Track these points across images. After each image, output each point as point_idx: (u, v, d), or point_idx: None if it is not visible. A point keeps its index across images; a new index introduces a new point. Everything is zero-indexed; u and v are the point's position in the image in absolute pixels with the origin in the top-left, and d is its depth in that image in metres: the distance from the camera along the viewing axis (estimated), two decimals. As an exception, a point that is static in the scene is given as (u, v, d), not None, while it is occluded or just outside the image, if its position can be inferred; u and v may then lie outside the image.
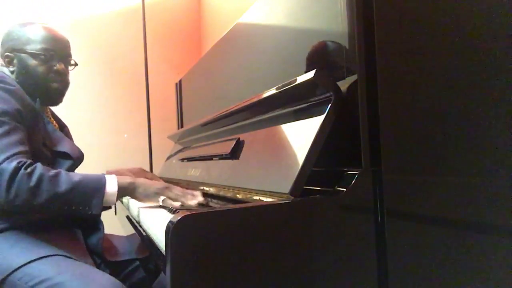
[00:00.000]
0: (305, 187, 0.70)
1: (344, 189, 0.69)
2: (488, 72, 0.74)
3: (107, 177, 1.05)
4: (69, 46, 1.26)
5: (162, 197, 1.08)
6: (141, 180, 1.11)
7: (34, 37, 1.18)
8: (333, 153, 0.75)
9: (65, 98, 1.26)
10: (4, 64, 1.19)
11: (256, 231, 0.65)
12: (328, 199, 0.69)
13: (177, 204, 1.06)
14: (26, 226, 1.03)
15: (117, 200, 1.05)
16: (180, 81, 2.24)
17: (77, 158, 1.20)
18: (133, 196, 1.09)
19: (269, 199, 0.75)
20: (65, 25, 2.51)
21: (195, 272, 0.62)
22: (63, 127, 1.31)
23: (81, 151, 1.25)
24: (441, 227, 0.74)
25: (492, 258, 0.72)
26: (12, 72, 1.18)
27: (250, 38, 1.26)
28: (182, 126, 2.19)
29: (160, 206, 1.09)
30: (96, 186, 1.01)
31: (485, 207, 0.73)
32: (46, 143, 1.14)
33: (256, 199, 0.80)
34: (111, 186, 1.03)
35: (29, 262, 0.92)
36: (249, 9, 1.25)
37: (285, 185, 0.70)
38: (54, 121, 1.27)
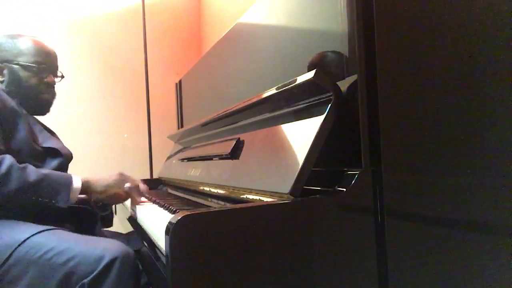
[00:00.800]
0: (305, 187, 0.70)
1: (344, 189, 0.69)
2: (488, 72, 0.74)
3: (73, 175, 1.10)
4: (57, 59, 1.31)
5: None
6: (96, 177, 1.16)
7: (26, 49, 1.23)
8: (333, 153, 0.75)
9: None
10: None
11: (256, 231, 0.65)
12: (328, 199, 0.69)
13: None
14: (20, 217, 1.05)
15: (79, 194, 1.10)
16: (180, 81, 2.23)
17: (66, 155, 1.23)
18: (91, 192, 1.14)
19: (269, 199, 0.75)
20: (65, 25, 2.52)
21: (195, 272, 0.62)
22: (52, 133, 1.34)
23: (70, 151, 1.28)
24: (441, 227, 0.74)
25: (492, 258, 0.72)
26: (1, 82, 1.23)
27: (250, 38, 1.26)
28: (182, 126, 2.19)
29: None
30: (63, 180, 1.07)
31: (485, 207, 0.74)
32: (35, 141, 1.17)
33: (256, 199, 0.80)
34: (77, 182, 1.09)
35: (32, 236, 0.95)
36: (249, 9, 1.25)
37: (285, 185, 0.70)
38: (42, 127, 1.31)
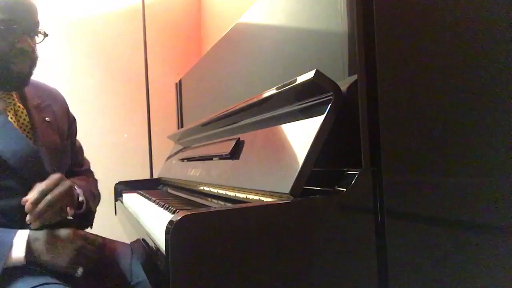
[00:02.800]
0: (305, 187, 0.70)
1: (344, 189, 0.69)
2: (488, 72, 0.74)
3: (17, 238, 0.85)
4: (36, 13, 1.00)
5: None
6: (43, 245, 0.87)
7: None
8: (333, 153, 0.75)
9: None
10: None
11: (256, 231, 0.65)
12: (328, 199, 0.69)
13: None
14: None
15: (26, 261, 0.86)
16: (180, 81, 2.23)
17: (15, 157, 0.93)
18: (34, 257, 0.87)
19: (269, 199, 0.75)
20: (65, 25, 2.51)
21: (195, 272, 0.62)
22: (34, 117, 1.05)
23: (32, 149, 0.99)
24: (441, 227, 0.74)
25: (492, 258, 0.72)
26: None
27: (250, 38, 1.26)
28: (182, 126, 2.19)
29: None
30: None
31: (485, 207, 0.74)
32: None
33: (256, 199, 0.80)
34: (17, 251, 0.85)
35: None
36: (249, 9, 1.25)
37: (285, 185, 0.70)
38: (21, 108, 1.04)
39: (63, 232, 0.92)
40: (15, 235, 0.86)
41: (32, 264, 0.87)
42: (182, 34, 2.96)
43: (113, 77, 2.69)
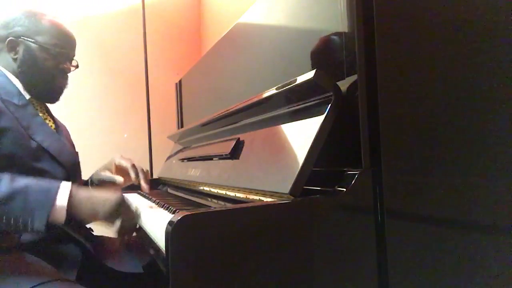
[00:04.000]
0: (305, 187, 0.70)
1: (344, 189, 0.69)
2: (488, 72, 0.74)
3: (62, 186, 0.86)
4: (75, 46, 1.21)
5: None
6: (89, 193, 0.89)
7: (47, 29, 1.12)
8: (333, 153, 0.75)
9: (65, 98, 1.25)
10: (4, 49, 1.11)
11: (256, 231, 0.65)
12: (328, 199, 0.69)
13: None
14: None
15: (67, 218, 0.85)
16: (180, 81, 2.23)
17: (63, 158, 1.08)
18: (74, 214, 0.87)
19: (269, 199, 0.75)
20: (65, 25, 2.51)
21: (195, 272, 0.62)
22: (58, 126, 1.23)
23: (72, 154, 1.16)
24: (441, 227, 0.74)
25: (492, 258, 0.72)
26: (14, 60, 1.11)
27: (250, 38, 1.26)
28: (182, 126, 2.19)
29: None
30: (44, 193, 0.84)
31: (485, 207, 0.74)
32: (31, 135, 1.03)
33: (256, 199, 0.80)
34: (62, 198, 0.84)
35: None
36: (249, 9, 1.25)
37: (285, 185, 0.70)
38: (48, 117, 1.20)
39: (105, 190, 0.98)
40: (60, 183, 0.88)
41: (71, 215, 0.86)
42: (182, 34, 2.96)
43: (113, 77, 2.68)
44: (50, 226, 0.83)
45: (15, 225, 0.81)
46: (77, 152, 1.25)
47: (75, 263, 0.99)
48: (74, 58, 1.21)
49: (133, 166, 1.21)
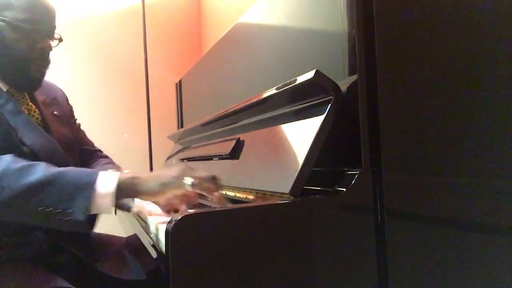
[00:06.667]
0: (305, 187, 0.70)
1: (344, 189, 0.69)
2: (489, 72, 0.74)
3: (102, 173, 0.77)
4: (55, 16, 1.01)
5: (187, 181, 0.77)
6: (145, 175, 0.80)
7: (15, 1, 0.91)
8: (333, 153, 0.75)
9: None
10: None
11: (256, 231, 0.65)
12: (328, 199, 0.69)
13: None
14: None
15: (116, 202, 0.77)
16: (180, 81, 2.24)
17: (45, 156, 0.92)
18: (138, 193, 0.79)
19: (269, 199, 0.75)
20: (65, 25, 2.51)
21: (195, 272, 0.62)
22: (44, 115, 1.05)
23: (64, 155, 1.00)
24: (441, 227, 0.74)
25: (493, 258, 0.72)
26: None
27: (250, 38, 1.26)
28: (182, 126, 2.19)
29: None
30: (83, 179, 0.75)
31: (485, 207, 0.73)
32: (21, 139, 0.90)
33: (256, 199, 0.80)
34: (104, 184, 0.75)
35: None
36: (249, 9, 1.25)
37: (285, 185, 0.70)
38: (33, 107, 1.03)
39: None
40: (99, 171, 0.78)
41: (121, 197, 0.77)
42: (182, 34, 2.96)
43: (113, 77, 2.68)
44: (92, 218, 0.76)
45: (54, 215, 0.72)
46: (76, 156, 1.13)
47: (70, 273, 0.94)
48: (56, 31, 1.02)
49: None
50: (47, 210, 0.71)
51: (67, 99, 1.27)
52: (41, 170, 0.74)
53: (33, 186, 0.72)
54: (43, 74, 1.00)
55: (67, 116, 1.20)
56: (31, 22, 0.92)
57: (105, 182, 0.75)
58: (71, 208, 0.72)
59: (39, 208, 0.71)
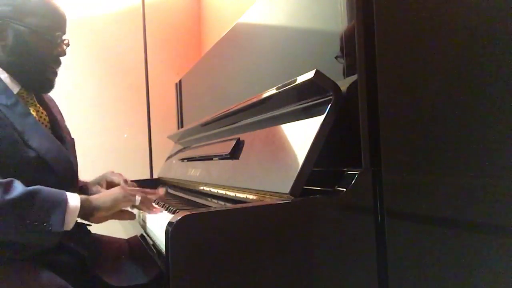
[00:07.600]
0: (305, 187, 0.70)
1: (344, 189, 0.69)
2: (489, 72, 0.74)
3: (67, 193, 0.86)
4: (66, 22, 1.06)
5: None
6: (95, 196, 0.93)
7: (37, 9, 0.95)
8: (333, 153, 0.75)
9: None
10: None
11: (256, 231, 0.65)
12: (328, 199, 0.69)
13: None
14: None
15: (78, 217, 0.86)
16: (180, 81, 2.24)
17: (59, 164, 0.96)
18: (95, 211, 0.89)
19: (269, 199, 0.75)
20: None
21: (195, 272, 0.62)
22: (52, 116, 1.08)
23: (69, 161, 1.02)
24: (441, 227, 0.74)
25: (493, 258, 0.72)
26: (2, 48, 0.94)
27: (250, 38, 1.26)
28: (182, 126, 2.19)
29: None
30: (56, 196, 0.83)
31: (485, 207, 0.73)
32: (26, 142, 0.91)
33: (256, 199, 0.80)
34: (73, 200, 0.84)
35: None
36: (249, 9, 1.25)
37: (285, 185, 0.70)
38: (41, 108, 1.05)
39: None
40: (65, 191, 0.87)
41: (85, 214, 0.88)
42: (182, 34, 2.96)
43: (113, 77, 2.68)
44: (66, 227, 0.82)
45: (34, 227, 0.78)
46: (76, 160, 1.14)
47: (71, 274, 0.94)
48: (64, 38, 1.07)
49: (126, 181, 1.18)
50: (30, 224, 0.77)
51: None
52: (20, 186, 0.79)
53: (17, 202, 0.77)
54: (56, 76, 1.05)
55: (63, 120, 1.21)
56: (51, 29, 0.98)
57: (73, 199, 0.85)
58: (50, 221, 0.79)
59: (22, 223, 0.77)
